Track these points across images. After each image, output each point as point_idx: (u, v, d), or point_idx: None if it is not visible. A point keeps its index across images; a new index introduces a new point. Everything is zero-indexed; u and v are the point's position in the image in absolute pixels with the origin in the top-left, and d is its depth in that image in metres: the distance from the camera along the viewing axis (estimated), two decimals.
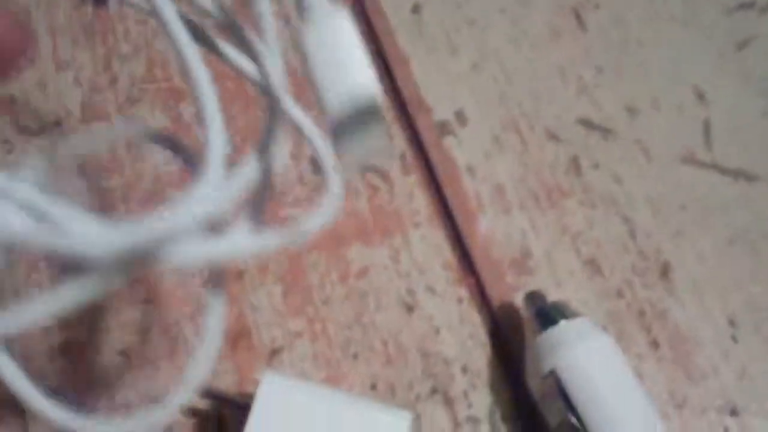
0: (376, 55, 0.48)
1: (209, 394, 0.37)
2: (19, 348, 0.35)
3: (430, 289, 0.42)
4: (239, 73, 0.30)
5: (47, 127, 0.44)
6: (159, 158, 0.44)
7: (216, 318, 0.28)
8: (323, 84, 0.23)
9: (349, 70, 0.23)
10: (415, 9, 0.49)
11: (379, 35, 0.48)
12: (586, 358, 0.37)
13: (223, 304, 0.29)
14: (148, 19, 0.48)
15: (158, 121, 0.45)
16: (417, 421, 0.37)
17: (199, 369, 0.28)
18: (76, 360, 0.39)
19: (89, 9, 0.48)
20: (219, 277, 0.29)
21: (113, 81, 0.46)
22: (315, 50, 0.23)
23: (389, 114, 0.46)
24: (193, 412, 0.38)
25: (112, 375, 0.39)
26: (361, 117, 0.23)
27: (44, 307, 0.22)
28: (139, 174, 0.44)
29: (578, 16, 0.49)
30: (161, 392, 0.39)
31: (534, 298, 0.39)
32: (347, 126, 0.23)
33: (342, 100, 0.23)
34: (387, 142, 0.23)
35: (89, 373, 0.39)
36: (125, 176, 0.43)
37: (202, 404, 0.38)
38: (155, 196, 0.43)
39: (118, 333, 0.40)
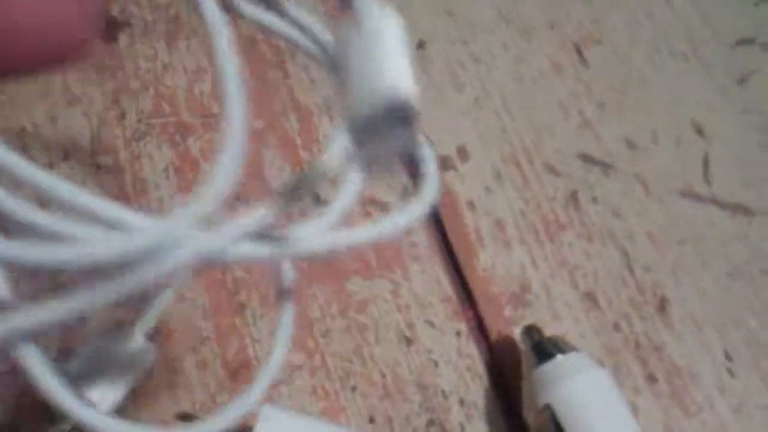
0: None
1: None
2: None
3: (429, 323, 0.42)
4: (294, 45, 0.29)
5: (55, 162, 0.45)
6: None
7: (286, 329, 0.32)
8: (355, 79, 0.22)
9: (386, 68, 0.21)
10: (421, 45, 0.50)
11: None
12: (581, 392, 0.37)
13: (293, 317, 0.33)
14: (157, 56, 0.49)
15: (165, 155, 0.46)
16: None
17: (269, 374, 0.31)
18: None
19: (100, 45, 0.49)
20: (288, 292, 0.32)
21: (121, 116, 0.47)
22: (354, 47, 0.22)
23: None
24: None
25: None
26: (391, 117, 0.21)
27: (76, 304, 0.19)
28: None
29: (580, 52, 0.50)
30: (160, 426, 0.39)
31: (531, 332, 0.40)
32: (373, 125, 0.21)
33: (372, 95, 0.21)
34: (414, 147, 0.22)
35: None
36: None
37: None
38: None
39: None
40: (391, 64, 0.21)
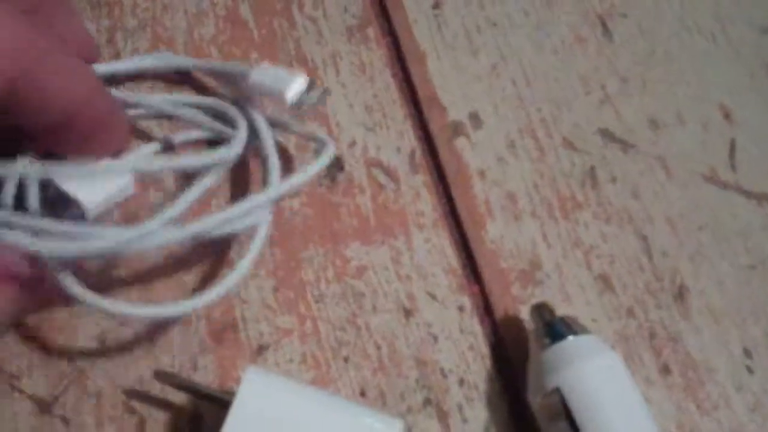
0: (392, 47, 0.46)
1: (187, 387, 0.35)
2: None
3: (431, 295, 0.39)
4: None
5: None
6: None
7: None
8: None
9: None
10: (437, 5, 0.47)
11: (397, 28, 0.46)
12: (593, 377, 0.34)
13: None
14: None
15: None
16: None
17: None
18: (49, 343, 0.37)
19: None
20: None
21: (115, 56, 0.44)
22: None
23: (402, 110, 0.44)
24: (167, 405, 0.36)
25: (86, 360, 0.37)
26: None
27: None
28: None
29: (604, 24, 0.47)
30: (133, 381, 0.36)
31: (542, 310, 0.37)
32: None
33: None
34: None
35: (62, 358, 0.37)
36: None
37: (178, 398, 0.36)
38: None
39: (95, 317, 0.37)
40: None
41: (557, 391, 0.34)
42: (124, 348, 0.37)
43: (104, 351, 0.37)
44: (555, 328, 0.36)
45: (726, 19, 0.48)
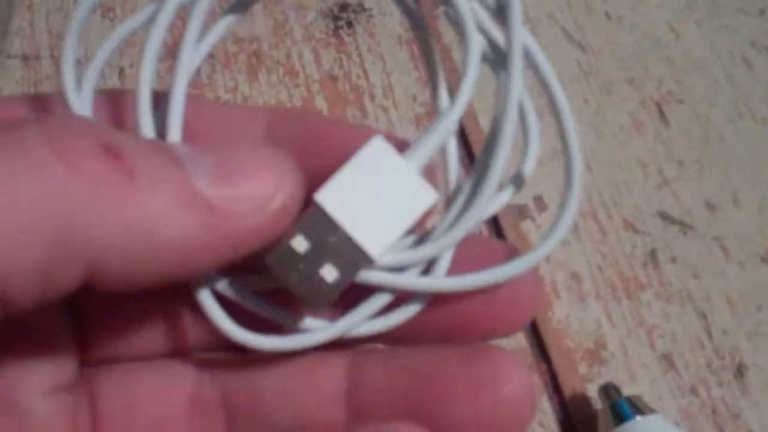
0: (459, 134, 0.48)
1: None
2: None
3: None
4: None
5: None
6: None
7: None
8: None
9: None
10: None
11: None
12: None
13: None
14: (237, 87, 0.49)
15: None
16: None
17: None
18: None
19: None
20: None
21: None
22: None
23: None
24: None
25: None
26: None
27: None
28: None
29: (660, 110, 0.50)
30: None
31: (609, 390, 0.39)
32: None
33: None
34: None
35: None
36: None
37: None
38: None
39: None
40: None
41: None
42: None
43: None
44: (623, 409, 0.38)
45: None
